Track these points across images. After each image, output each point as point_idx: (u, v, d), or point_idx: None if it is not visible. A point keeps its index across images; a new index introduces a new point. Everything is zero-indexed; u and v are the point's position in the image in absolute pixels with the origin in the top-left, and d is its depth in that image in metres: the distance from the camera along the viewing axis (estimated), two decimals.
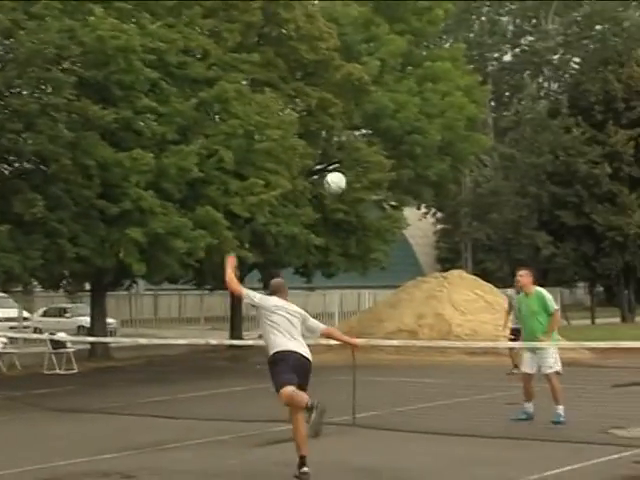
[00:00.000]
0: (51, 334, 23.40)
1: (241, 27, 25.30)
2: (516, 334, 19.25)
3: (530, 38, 53.82)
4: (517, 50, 54.61)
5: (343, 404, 12.85)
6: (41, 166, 22.40)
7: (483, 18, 53.98)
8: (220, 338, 26.32)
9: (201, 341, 23.05)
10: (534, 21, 54.01)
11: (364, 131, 33.31)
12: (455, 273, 27.55)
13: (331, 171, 31.12)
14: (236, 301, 31.21)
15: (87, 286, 28.19)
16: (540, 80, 53.14)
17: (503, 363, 19.07)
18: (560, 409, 12.33)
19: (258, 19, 25.84)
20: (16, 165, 23.12)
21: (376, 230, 29.64)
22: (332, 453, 10.36)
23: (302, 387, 9.38)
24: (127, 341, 24.82)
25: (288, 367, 9.33)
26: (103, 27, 21.70)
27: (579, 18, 51.32)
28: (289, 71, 27.18)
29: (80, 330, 31.81)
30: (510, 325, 19.42)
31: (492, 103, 51.90)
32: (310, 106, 26.99)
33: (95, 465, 10.46)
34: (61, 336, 23.14)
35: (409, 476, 9.44)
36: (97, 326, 26.28)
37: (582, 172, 41.29)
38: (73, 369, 22.34)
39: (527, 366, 12.77)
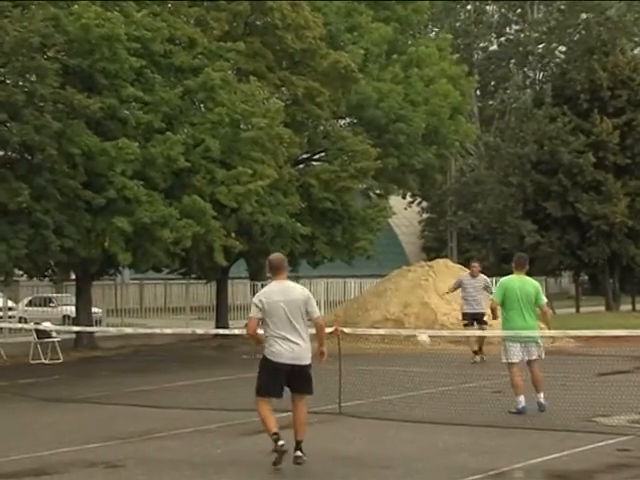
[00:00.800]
0: (36, 324, 23.36)
1: (228, 16, 25.26)
2: (469, 319, 20.09)
3: (516, 27, 53.90)
4: (502, 39, 54.68)
5: (329, 393, 12.88)
6: (26, 155, 22.30)
7: (469, 7, 54.01)
8: (206, 327, 26.34)
9: (187, 330, 23.07)
10: (519, 10, 54.07)
11: (349, 120, 33.31)
12: (441, 262, 27.59)
13: (317, 160, 31.26)
14: (222, 290, 31.25)
15: (72, 275, 28.11)
16: (526, 69, 53.23)
17: (490, 351, 19.12)
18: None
19: (245, 8, 25.80)
20: (0, 154, 23.00)
21: (362, 219, 29.70)
22: (318, 442, 10.38)
23: (302, 392, 9.56)
24: (113, 330, 24.79)
25: (277, 378, 9.41)
26: (87, 15, 21.61)
27: (563, 7, 51.39)
28: (275, 60, 27.16)
29: (65, 319, 31.72)
30: (464, 310, 20.34)
31: (477, 92, 51.98)
32: (297, 95, 26.97)
33: (81, 454, 10.46)
34: (46, 326, 23.08)
35: (394, 464, 9.47)
36: (82, 315, 26.22)
37: (566, 161, 41.38)
38: (59, 359, 22.29)
39: (515, 355, 12.68)
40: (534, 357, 12.69)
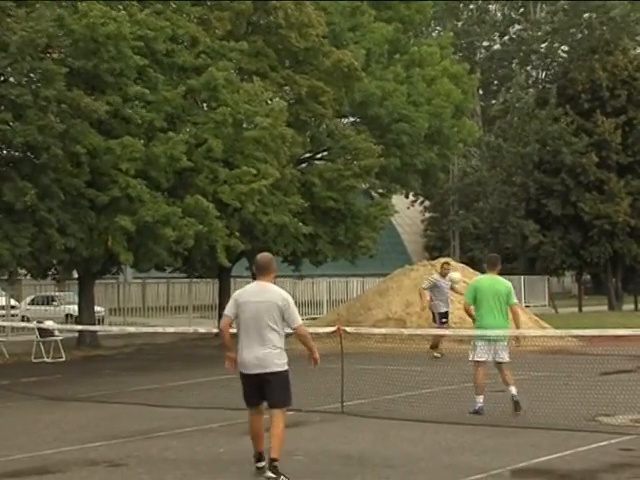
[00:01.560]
0: (39, 322, 23.36)
1: (231, 15, 25.24)
2: (445, 318, 21.36)
3: (518, 27, 53.89)
4: (505, 38, 54.66)
5: (331, 392, 12.87)
6: (29, 154, 22.30)
7: (471, 6, 54.00)
8: (208, 326, 26.34)
9: (189, 329, 23.06)
10: (522, 10, 54.06)
11: (352, 119, 33.30)
12: (443, 261, 27.54)
13: (320, 159, 31.24)
14: (224, 289, 31.24)
15: (75, 274, 28.11)
16: (528, 68, 53.21)
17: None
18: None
19: (247, 7, 25.78)
20: (4, 153, 23.01)
21: (365, 218, 29.65)
22: (321, 440, 10.37)
23: (272, 404, 8.91)
24: (115, 329, 24.79)
25: (249, 388, 9.03)
26: (93, 14, 21.61)
27: (566, 6, 51.36)
28: (278, 59, 27.14)
29: (68, 318, 31.73)
30: (440, 310, 21.34)
31: (480, 92, 51.97)
32: (300, 94, 26.94)
33: (84, 453, 10.46)
34: (49, 324, 23.09)
35: (397, 463, 9.47)
36: (85, 314, 26.23)
37: (569, 162, 41.39)
38: (61, 357, 22.31)
39: (482, 354, 12.59)
40: (502, 360, 12.61)
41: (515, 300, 12.93)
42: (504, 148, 43.96)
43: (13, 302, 31.93)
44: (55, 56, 21.65)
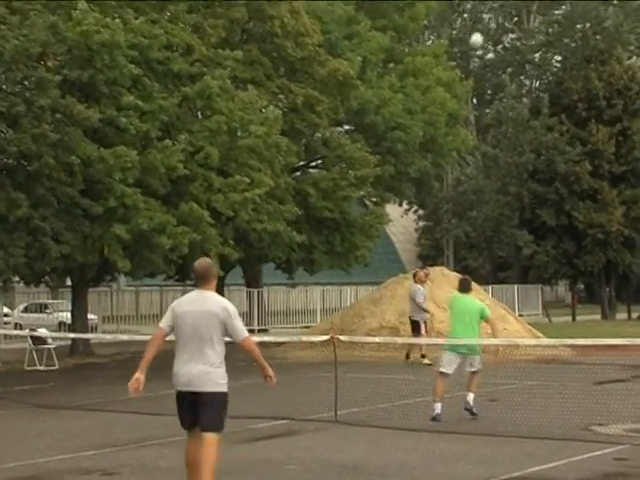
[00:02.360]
0: (32, 330, 23.30)
1: (225, 23, 25.26)
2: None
3: (512, 36, 54.07)
4: (499, 48, 54.83)
5: (325, 401, 12.85)
6: (23, 161, 22.25)
7: (465, 15, 54.16)
8: None
9: None
10: (516, 19, 54.24)
11: (347, 127, 33.33)
12: (437, 270, 27.55)
13: (315, 167, 31.23)
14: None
15: (68, 282, 28.05)
16: (522, 78, 53.36)
17: (485, 360, 19.06)
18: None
19: (242, 15, 25.80)
20: None
21: (360, 226, 29.63)
22: (314, 450, 10.36)
23: (201, 426, 7.93)
24: (108, 337, 24.71)
25: (181, 407, 8.11)
26: (87, 21, 21.59)
27: (560, 17, 51.55)
28: (274, 68, 27.17)
29: (61, 326, 31.66)
30: (424, 317, 21.89)
31: (474, 101, 52.09)
32: (295, 103, 26.95)
33: (77, 462, 10.43)
34: (42, 332, 23.04)
35: (391, 472, 9.46)
36: (78, 322, 26.17)
37: (562, 171, 41.47)
38: (54, 365, 22.24)
39: (449, 366, 12.99)
40: (475, 369, 13.08)
41: (489, 314, 13.37)
42: (500, 158, 44.05)
43: (6, 310, 31.86)
44: (50, 64, 21.61)
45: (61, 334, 26.86)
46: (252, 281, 34.60)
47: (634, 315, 44.35)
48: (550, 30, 51.53)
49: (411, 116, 31.34)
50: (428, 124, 31.85)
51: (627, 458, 10.04)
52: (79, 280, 26.21)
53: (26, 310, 35.26)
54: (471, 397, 12.90)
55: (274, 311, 36.86)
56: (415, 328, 21.82)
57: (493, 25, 55.24)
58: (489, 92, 55.07)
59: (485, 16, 55.43)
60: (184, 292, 34.19)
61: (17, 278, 25.18)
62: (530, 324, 26.95)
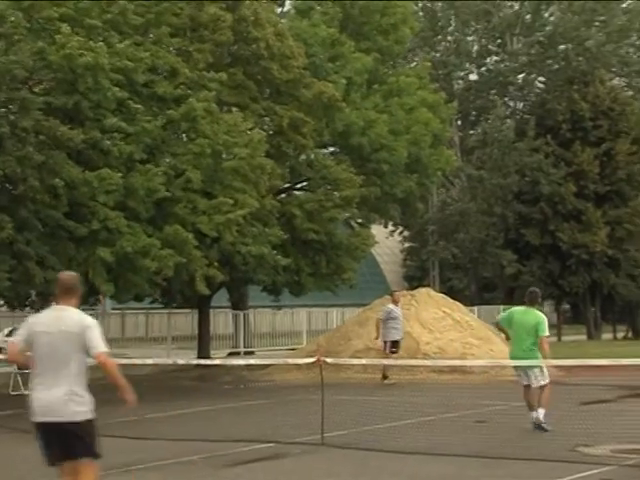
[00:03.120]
0: None
1: (211, 47, 25.29)
2: (396, 347, 22.20)
3: (495, 58, 54.32)
4: (483, 69, 55.07)
5: (311, 423, 12.80)
6: (7, 186, 22.16)
7: (449, 38, 54.40)
8: (187, 357, 26.20)
9: (168, 361, 22.94)
10: (499, 41, 54.50)
11: (332, 149, 33.37)
12: (423, 291, 27.57)
13: (300, 189, 31.22)
14: (203, 320, 31.10)
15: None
16: (506, 99, 53.58)
17: (472, 381, 19.13)
18: None
19: (228, 38, 25.85)
20: None
21: (346, 248, 29.59)
22: (301, 473, 10.30)
23: (72, 456, 7.31)
24: (92, 361, 24.55)
25: (44, 441, 7.38)
26: (70, 45, 21.58)
27: (542, 39, 51.87)
28: (259, 90, 27.20)
29: None
30: (395, 337, 22.23)
31: (459, 122, 52.25)
32: (281, 125, 26.98)
33: None
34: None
35: None
36: None
37: (546, 192, 41.66)
38: None
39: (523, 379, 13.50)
40: (540, 384, 13.43)
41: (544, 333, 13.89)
42: (485, 179, 44.19)
43: None
44: (36, 90, 21.57)
45: None
46: (238, 303, 34.49)
47: (619, 335, 44.48)
48: (532, 51, 51.81)
49: (395, 137, 31.38)
50: (413, 144, 31.91)
51: (613, 479, 10.03)
52: None
53: (10, 334, 35.00)
54: (541, 413, 13.03)
55: (260, 333, 36.77)
56: (391, 348, 22.21)
57: (476, 47, 55.46)
58: (473, 114, 55.24)
59: (469, 38, 55.63)
60: (169, 315, 34.26)
61: (1, 302, 24.97)
62: None
